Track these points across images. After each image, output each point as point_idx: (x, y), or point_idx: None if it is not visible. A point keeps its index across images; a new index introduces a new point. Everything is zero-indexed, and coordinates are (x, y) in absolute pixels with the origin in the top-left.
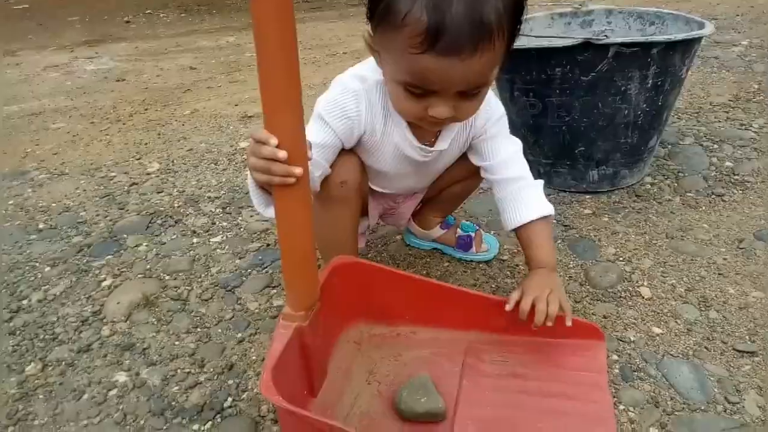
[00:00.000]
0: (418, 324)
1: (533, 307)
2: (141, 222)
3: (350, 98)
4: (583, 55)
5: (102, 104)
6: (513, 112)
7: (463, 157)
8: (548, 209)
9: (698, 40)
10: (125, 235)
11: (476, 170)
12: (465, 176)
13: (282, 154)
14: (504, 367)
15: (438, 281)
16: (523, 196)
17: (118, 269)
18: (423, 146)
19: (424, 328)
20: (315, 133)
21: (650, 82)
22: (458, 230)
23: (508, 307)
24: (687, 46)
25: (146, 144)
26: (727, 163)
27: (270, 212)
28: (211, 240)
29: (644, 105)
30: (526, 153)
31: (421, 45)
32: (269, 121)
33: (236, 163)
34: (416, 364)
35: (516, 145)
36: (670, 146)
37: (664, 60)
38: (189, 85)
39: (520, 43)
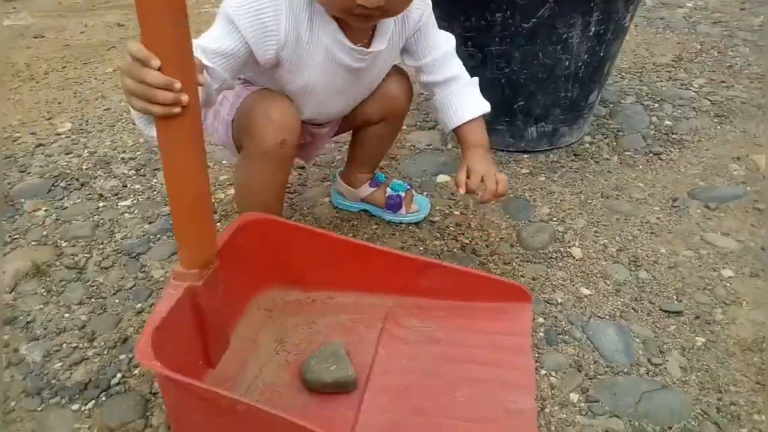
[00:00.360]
0: (336, 289)
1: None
2: (42, 185)
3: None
4: (522, 1)
5: (15, 61)
6: None
7: (387, 80)
8: (486, 106)
9: None
10: (23, 200)
11: (399, 105)
12: (386, 110)
13: (163, 79)
14: (423, 333)
15: (358, 241)
16: (463, 95)
17: (10, 236)
18: (357, 47)
19: (343, 292)
20: (219, 36)
21: (593, 29)
22: (388, 189)
23: (461, 191)
24: None
25: (59, 103)
26: (667, 122)
27: (153, 132)
28: (119, 204)
29: (585, 56)
30: None
31: None
32: (148, 34)
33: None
34: (331, 331)
35: (450, 41)
36: (611, 105)
37: (608, 5)
38: (114, 42)
39: None
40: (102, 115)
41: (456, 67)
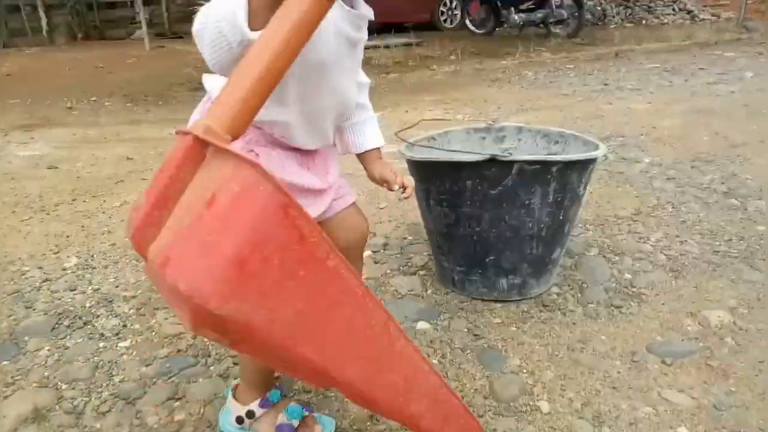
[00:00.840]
0: None
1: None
2: (47, 323)
3: None
4: (490, 170)
5: (28, 192)
6: (429, 220)
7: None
8: (382, 142)
9: (593, 160)
10: (27, 338)
11: (362, 231)
12: (350, 238)
13: None
14: None
15: None
16: (370, 125)
17: (12, 377)
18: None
19: None
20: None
21: (551, 197)
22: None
23: (404, 194)
24: (583, 165)
25: (67, 237)
26: (627, 275)
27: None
28: (119, 345)
29: (547, 219)
30: (441, 260)
31: None
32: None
33: None
34: None
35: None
36: (576, 257)
37: (563, 177)
38: (123, 175)
39: (435, 155)
40: (107, 251)
41: (366, 96)
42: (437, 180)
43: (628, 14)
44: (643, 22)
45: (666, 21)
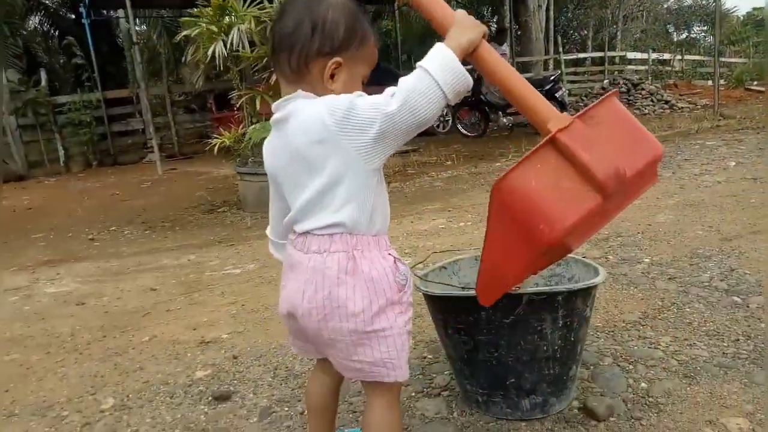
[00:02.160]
0: None
1: None
2: None
3: None
4: (501, 302)
5: (60, 331)
6: (449, 347)
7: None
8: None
9: (595, 286)
10: None
11: None
12: None
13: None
14: None
15: None
16: None
17: None
18: None
19: None
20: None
21: (560, 321)
22: None
23: None
24: (586, 291)
25: (102, 376)
26: (642, 384)
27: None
28: None
29: (559, 341)
30: (464, 383)
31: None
32: None
33: (191, 396)
34: None
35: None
36: (592, 367)
37: (569, 303)
38: (149, 307)
39: (449, 289)
40: (141, 389)
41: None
42: (453, 311)
43: None
44: None
45: (647, 112)
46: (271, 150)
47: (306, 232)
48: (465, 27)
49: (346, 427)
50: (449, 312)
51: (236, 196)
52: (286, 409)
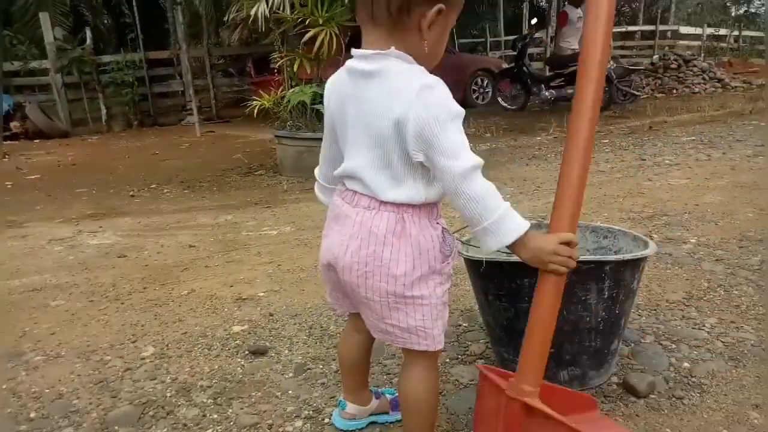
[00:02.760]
0: None
1: None
2: (133, 413)
3: None
4: None
5: (102, 281)
6: (488, 314)
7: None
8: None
9: (644, 258)
10: (117, 428)
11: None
12: None
13: (578, 254)
14: None
15: None
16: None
17: None
18: None
19: None
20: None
21: (606, 293)
22: (386, 396)
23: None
24: (635, 263)
25: (143, 326)
26: (685, 364)
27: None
28: None
29: (603, 313)
30: (501, 351)
31: None
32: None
33: (229, 348)
34: None
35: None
36: (632, 344)
37: (616, 275)
38: (188, 263)
39: (492, 255)
40: (180, 339)
41: None
42: (495, 278)
43: (658, 84)
44: (674, 92)
45: (697, 90)
46: (338, 96)
47: (356, 191)
48: (543, 251)
49: (380, 387)
50: (491, 278)
51: (273, 159)
52: (321, 366)
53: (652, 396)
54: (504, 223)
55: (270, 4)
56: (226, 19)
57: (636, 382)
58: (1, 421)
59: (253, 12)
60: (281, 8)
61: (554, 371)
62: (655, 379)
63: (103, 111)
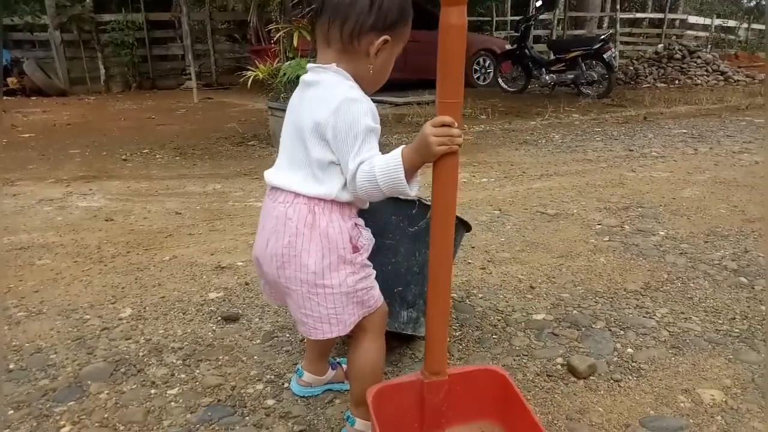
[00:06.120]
0: None
1: None
2: (106, 369)
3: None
4: (413, 211)
5: (88, 243)
6: None
7: None
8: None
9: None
10: (89, 382)
11: None
12: None
13: (459, 131)
14: None
15: None
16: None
17: (78, 416)
18: None
19: None
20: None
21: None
22: (342, 366)
23: None
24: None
25: (123, 288)
26: (629, 350)
27: (415, 190)
28: (167, 392)
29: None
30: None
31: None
32: (446, 110)
33: (203, 314)
34: None
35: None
36: (583, 329)
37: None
38: (172, 230)
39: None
40: (158, 303)
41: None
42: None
43: (660, 74)
44: (676, 82)
45: (699, 82)
46: (290, 103)
47: (278, 188)
48: (423, 139)
49: (339, 358)
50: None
51: (267, 130)
52: (288, 335)
53: (592, 378)
54: (390, 178)
55: None
56: None
57: (577, 363)
58: None
59: None
60: None
61: (397, 310)
62: (597, 363)
63: (102, 71)
